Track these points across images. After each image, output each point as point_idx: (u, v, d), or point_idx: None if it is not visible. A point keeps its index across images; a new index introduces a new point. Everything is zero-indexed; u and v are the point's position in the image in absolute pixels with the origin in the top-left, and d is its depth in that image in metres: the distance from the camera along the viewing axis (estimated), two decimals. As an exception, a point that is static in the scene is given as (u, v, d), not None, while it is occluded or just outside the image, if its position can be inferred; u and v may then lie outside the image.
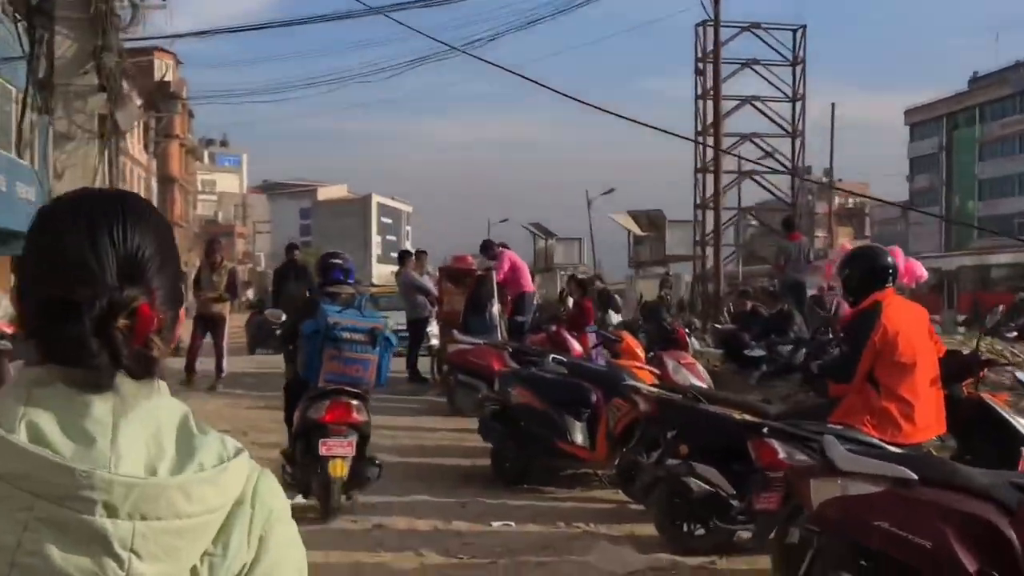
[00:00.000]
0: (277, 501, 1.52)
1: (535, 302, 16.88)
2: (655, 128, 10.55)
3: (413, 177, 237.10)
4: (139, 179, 59.96)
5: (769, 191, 34.92)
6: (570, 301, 17.09)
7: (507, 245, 17.56)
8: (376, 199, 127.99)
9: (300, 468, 8.59)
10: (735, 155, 30.14)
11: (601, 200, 51.54)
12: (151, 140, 62.01)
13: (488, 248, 16.58)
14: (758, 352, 14.31)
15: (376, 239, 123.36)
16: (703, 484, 7.31)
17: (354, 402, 8.45)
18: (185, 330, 15.98)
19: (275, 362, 20.12)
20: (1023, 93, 78.66)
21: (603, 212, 47.92)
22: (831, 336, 9.38)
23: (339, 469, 8.25)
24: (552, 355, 11.18)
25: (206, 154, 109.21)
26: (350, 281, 9.48)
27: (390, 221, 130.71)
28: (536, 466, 10.07)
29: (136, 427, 1.37)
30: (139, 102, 63.20)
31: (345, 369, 8.48)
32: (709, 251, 31.16)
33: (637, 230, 42.39)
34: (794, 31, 33.23)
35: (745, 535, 7.45)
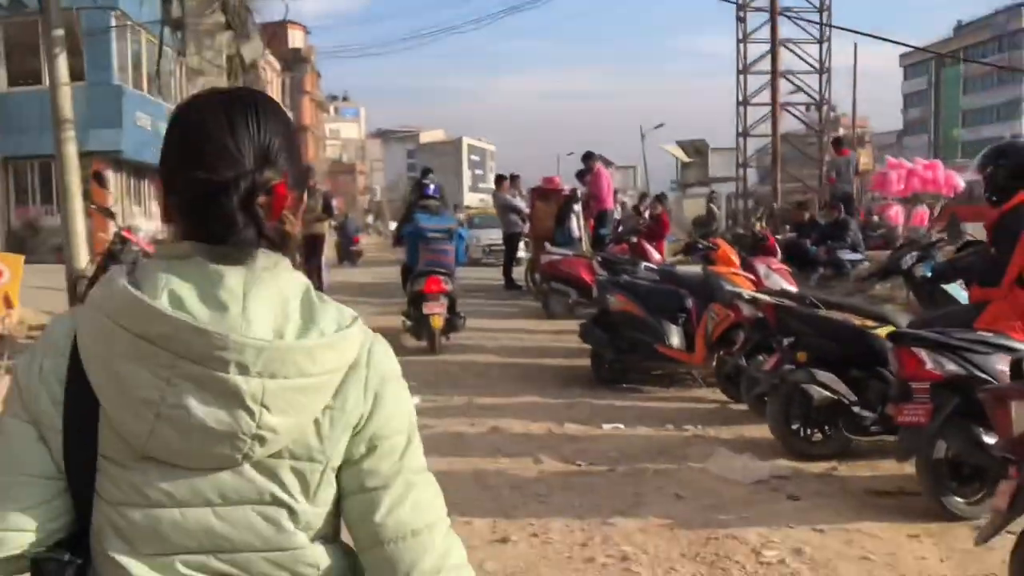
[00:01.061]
0: (389, 363, 1.36)
1: (615, 217, 15.04)
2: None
3: (496, 121, 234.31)
4: (278, 128, 58.77)
5: (802, 120, 32.49)
6: (647, 214, 15.20)
7: (607, 160, 15.77)
8: (466, 141, 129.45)
9: (414, 322, 10.09)
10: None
11: (652, 133, 49.14)
12: (286, 95, 60.81)
13: (589, 158, 14.73)
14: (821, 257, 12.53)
15: (467, 173, 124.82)
16: (824, 391, 5.63)
17: (442, 278, 10.01)
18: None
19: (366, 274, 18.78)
20: (1000, 37, 75.39)
21: (654, 143, 45.89)
22: (935, 240, 7.48)
23: (437, 322, 9.86)
24: (644, 263, 9.47)
25: (332, 108, 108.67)
26: (436, 196, 11.72)
27: (478, 158, 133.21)
28: (634, 367, 8.45)
29: (264, 297, 1.23)
30: (263, 42, 62.55)
31: (434, 256, 10.36)
32: (750, 172, 29.25)
33: (684, 157, 41.14)
34: (821, -15, 30.50)
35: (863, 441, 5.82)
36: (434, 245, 10.47)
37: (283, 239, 1.27)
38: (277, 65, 60.28)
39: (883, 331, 5.73)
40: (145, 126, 21.02)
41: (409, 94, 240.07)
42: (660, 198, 15.21)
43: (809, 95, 31.04)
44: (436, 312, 9.85)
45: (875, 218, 15.13)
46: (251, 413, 1.19)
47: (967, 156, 60.07)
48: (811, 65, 30.92)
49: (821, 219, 13.93)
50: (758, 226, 13.25)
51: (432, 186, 12.03)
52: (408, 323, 10.24)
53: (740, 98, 30.90)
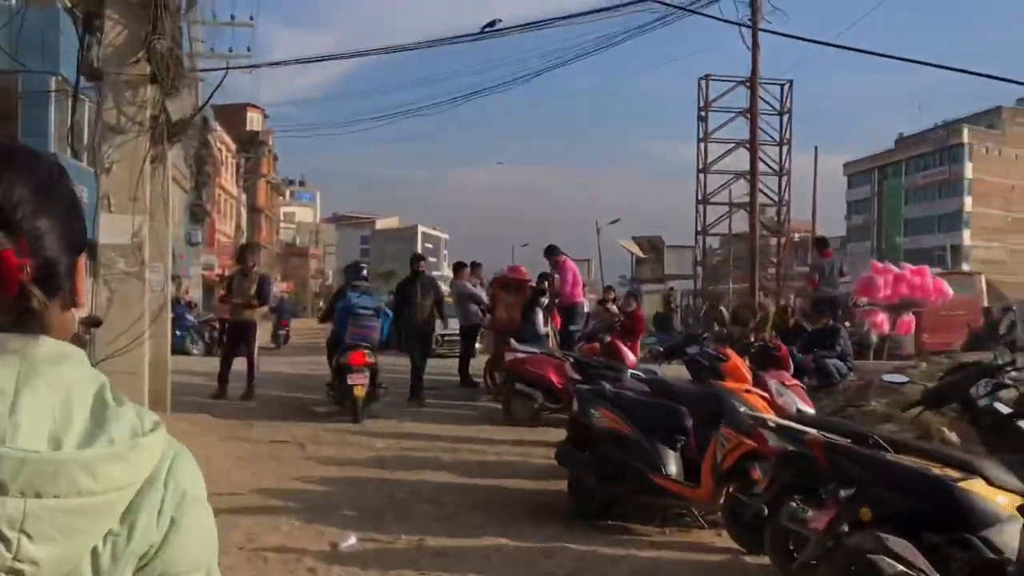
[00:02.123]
0: (193, 481, 1.12)
1: (584, 312, 13.58)
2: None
3: (449, 210, 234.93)
4: (231, 208, 57.18)
5: (762, 222, 31.74)
6: (614, 308, 13.73)
7: (566, 253, 14.48)
8: (421, 228, 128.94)
9: (338, 392, 10.96)
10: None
11: (607, 228, 48.29)
12: (241, 177, 59.44)
13: (553, 252, 13.30)
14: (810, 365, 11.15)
15: None
16: (898, 564, 4.12)
17: (367, 351, 10.80)
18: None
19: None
20: (940, 150, 77.13)
21: (609, 238, 45.05)
22: (1003, 364, 6.03)
23: (360, 391, 10.59)
24: (630, 370, 7.97)
25: (288, 191, 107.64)
26: (365, 278, 12.64)
27: (431, 246, 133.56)
28: (621, 499, 6.88)
29: (42, 396, 0.99)
30: (192, 99, 61.59)
31: (360, 331, 10.99)
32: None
33: (639, 253, 40.35)
34: (781, 86, 30.14)
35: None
36: (362, 321, 11.07)
37: (21, 318, 1.02)
38: (233, 146, 59.17)
39: (972, 484, 4.27)
40: (83, 198, 19.34)
41: (365, 181, 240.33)
42: (633, 293, 13.86)
43: (769, 196, 30.40)
44: (359, 383, 10.60)
45: (864, 326, 13.94)
46: (6, 542, 0.94)
47: (909, 262, 60.77)
48: (771, 167, 30.34)
49: (806, 324, 12.63)
50: (766, 334, 11.90)
51: (364, 270, 12.89)
52: (331, 393, 11.24)
53: (699, 196, 30.19)
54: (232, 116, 61.23)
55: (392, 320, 11.90)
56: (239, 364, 12.41)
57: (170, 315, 10.42)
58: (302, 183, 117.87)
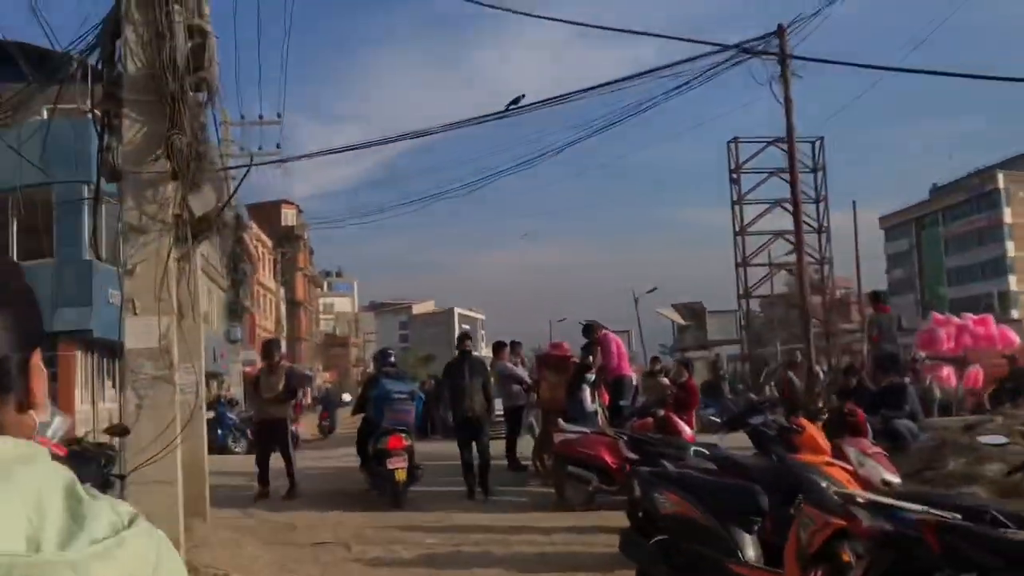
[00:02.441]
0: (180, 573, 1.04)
1: (633, 384, 12.96)
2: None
3: (484, 292, 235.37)
4: (270, 303, 57.43)
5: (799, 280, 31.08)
6: (665, 380, 13.07)
7: (605, 327, 14.00)
8: (457, 311, 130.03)
9: (376, 477, 11.13)
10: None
11: (645, 297, 47.83)
12: (279, 272, 59.85)
13: (591, 330, 12.76)
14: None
15: None
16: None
17: (404, 435, 11.01)
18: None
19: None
20: (976, 197, 76.15)
21: (647, 307, 44.48)
22: None
23: (401, 475, 10.72)
24: (693, 447, 7.38)
25: (325, 283, 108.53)
26: (394, 364, 12.57)
27: (468, 327, 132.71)
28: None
29: (13, 497, 0.91)
30: (218, 195, 62.28)
31: (396, 416, 11.22)
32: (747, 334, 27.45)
33: (680, 320, 39.78)
34: (813, 143, 29.77)
35: None
36: (398, 406, 11.26)
37: None
38: (269, 242, 59.77)
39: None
40: (117, 303, 19.22)
41: (399, 268, 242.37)
42: (684, 363, 13.23)
43: (809, 254, 29.80)
44: (399, 467, 10.69)
45: (928, 381, 13.20)
46: None
47: (956, 312, 59.41)
48: (810, 225, 29.80)
49: (869, 384, 11.95)
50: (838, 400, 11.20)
51: (392, 356, 12.84)
52: (369, 479, 11.44)
53: (738, 259, 29.63)
54: (267, 213, 62.18)
55: (430, 404, 12.03)
56: (278, 460, 11.96)
57: (205, 415, 10.01)
58: (339, 274, 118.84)
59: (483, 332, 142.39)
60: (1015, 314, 59.32)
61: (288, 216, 70.58)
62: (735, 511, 6.15)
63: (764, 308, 34.04)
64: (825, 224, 29.85)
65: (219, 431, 20.92)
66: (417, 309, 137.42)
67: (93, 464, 7.98)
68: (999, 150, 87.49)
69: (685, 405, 11.60)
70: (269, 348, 12.41)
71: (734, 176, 29.42)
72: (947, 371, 13.39)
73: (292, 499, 11.49)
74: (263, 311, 53.98)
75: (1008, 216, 73.34)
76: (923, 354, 13.54)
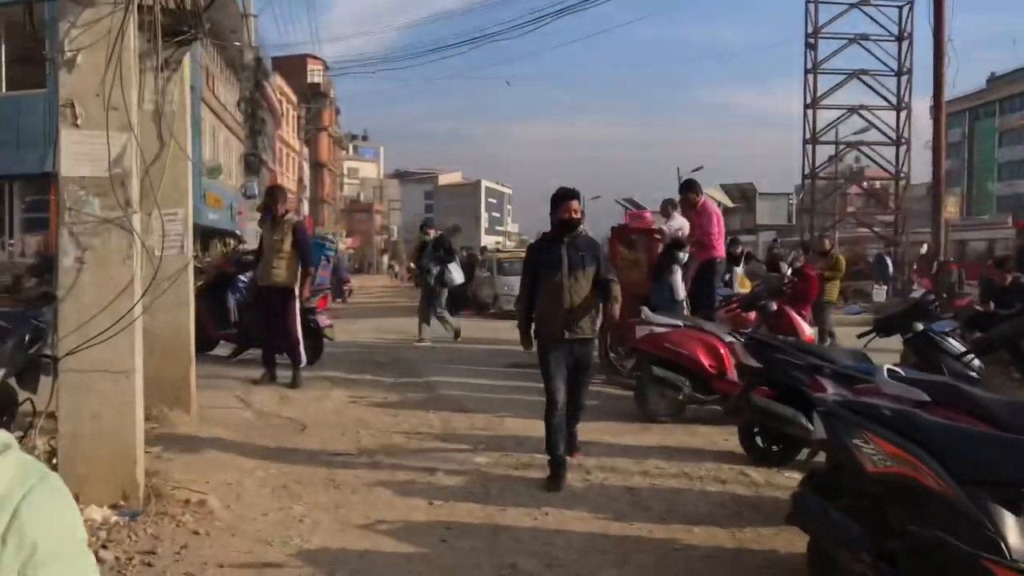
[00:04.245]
0: (49, 532, 0.88)
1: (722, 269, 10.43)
2: None
3: (513, 165, 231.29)
4: (293, 161, 54.88)
5: (875, 161, 28.11)
6: (786, 269, 10.44)
7: (638, 204, 11.63)
8: (484, 184, 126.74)
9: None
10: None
11: (690, 176, 44.89)
12: (302, 130, 57.01)
13: (692, 189, 10.14)
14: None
15: (484, 215, 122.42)
16: None
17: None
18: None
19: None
20: (1021, 95, 71.71)
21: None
22: None
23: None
24: (885, 366, 4.96)
25: (351, 147, 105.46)
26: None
27: (495, 201, 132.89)
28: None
29: None
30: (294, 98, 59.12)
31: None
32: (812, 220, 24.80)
33: (728, 202, 36.87)
34: (900, 7, 26.32)
35: None
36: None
37: None
38: (294, 98, 56.70)
39: None
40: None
41: (426, 137, 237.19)
42: (804, 246, 10.66)
43: (886, 134, 26.77)
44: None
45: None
46: None
47: (1003, 210, 56.15)
48: (888, 101, 26.67)
49: (1028, 282, 9.46)
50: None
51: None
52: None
53: (807, 135, 26.64)
54: (293, 67, 58.80)
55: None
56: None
57: (192, 278, 7.67)
58: (365, 138, 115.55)
59: (510, 207, 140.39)
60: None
61: (315, 73, 67.11)
62: (994, 479, 3.80)
63: (828, 192, 31.08)
64: (906, 101, 26.68)
65: (231, 295, 18.73)
66: (443, 180, 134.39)
67: (9, 340, 5.68)
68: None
69: (803, 298, 9.19)
70: (272, 195, 9.83)
71: (811, 41, 26.13)
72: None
73: (295, 387, 9.28)
74: (285, 170, 51.44)
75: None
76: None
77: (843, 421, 4.19)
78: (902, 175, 27.03)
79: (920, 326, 6.70)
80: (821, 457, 5.28)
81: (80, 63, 5.13)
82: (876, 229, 28.54)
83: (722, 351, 7.94)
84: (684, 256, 9.42)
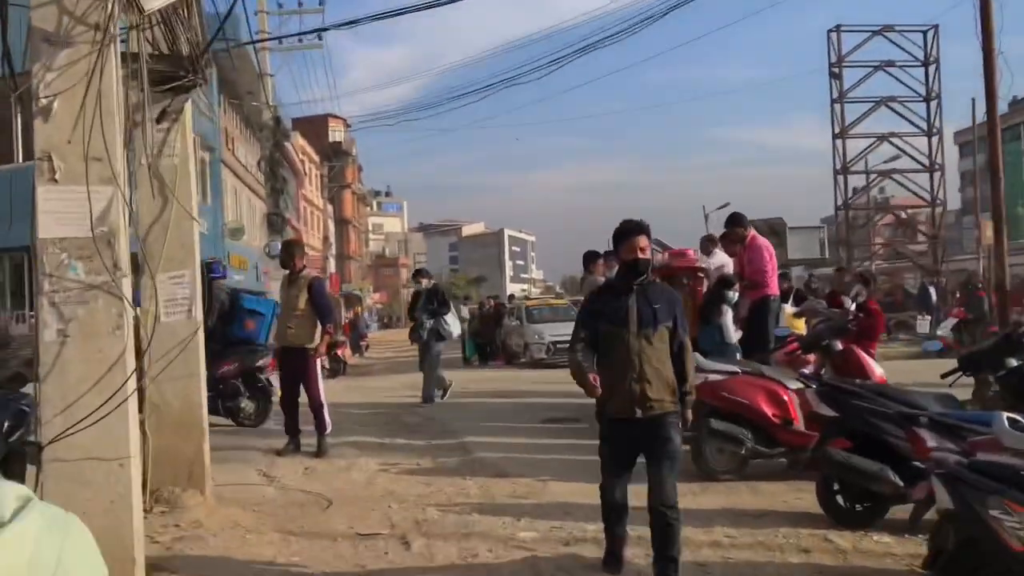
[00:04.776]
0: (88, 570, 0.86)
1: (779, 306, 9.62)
2: None
3: (535, 213, 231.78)
4: (317, 219, 54.75)
5: (908, 188, 27.26)
6: (851, 305, 9.51)
7: (663, 243, 11.05)
8: (507, 232, 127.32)
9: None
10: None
11: (716, 214, 44.16)
12: (326, 187, 56.98)
13: (739, 223, 9.28)
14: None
15: (508, 263, 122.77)
16: None
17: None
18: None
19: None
20: (1062, 110, 70.31)
21: (719, 225, 40.76)
22: None
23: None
24: (1005, 414, 4.17)
25: (375, 203, 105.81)
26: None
27: (518, 249, 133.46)
28: None
29: None
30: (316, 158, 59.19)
31: None
32: (849, 251, 23.94)
33: (758, 238, 35.94)
34: (924, 32, 25.68)
35: None
36: None
37: None
38: (316, 157, 56.75)
39: None
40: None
41: (448, 191, 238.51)
42: (866, 278, 9.81)
43: (917, 160, 25.98)
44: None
45: None
46: None
47: (1031, 236, 55.15)
48: (918, 127, 25.91)
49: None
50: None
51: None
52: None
53: (837, 165, 25.88)
54: (314, 127, 59.03)
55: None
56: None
57: (202, 346, 7.00)
58: (388, 193, 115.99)
59: (534, 254, 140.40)
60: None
61: (336, 133, 67.42)
62: None
63: (864, 223, 30.16)
64: (937, 126, 25.90)
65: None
66: (467, 231, 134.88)
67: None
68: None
69: (869, 336, 8.40)
70: (288, 250, 9.16)
71: (835, 70, 25.49)
72: None
73: (321, 456, 8.57)
74: (310, 228, 51.25)
75: (1098, 130, 67.65)
76: None
77: (975, 488, 3.41)
78: (938, 202, 26.19)
79: (1014, 362, 5.90)
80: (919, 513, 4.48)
81: (56, 110, 4.52)
82: (915, 259, 27.64)
83: (786, 398, 7.15)
84: (734, 296, 8.67)
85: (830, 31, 25.53)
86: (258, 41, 23.21)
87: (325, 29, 20.48)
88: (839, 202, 25.94)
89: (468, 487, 7.23)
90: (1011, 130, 75.84)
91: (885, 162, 27.68)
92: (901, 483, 5.49)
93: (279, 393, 9.67)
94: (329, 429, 8.86)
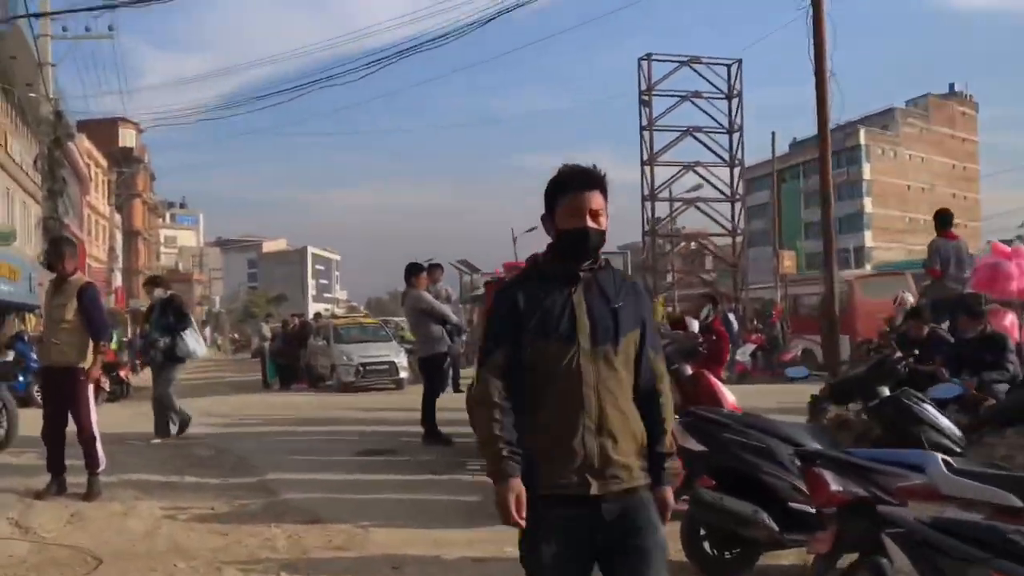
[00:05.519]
0: None
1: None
2: None
3: (338, 232, 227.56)
4: (103, 229, 50.70)
5: (711, 216, 28.01)
6: (691, 325, 8.89)
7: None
8: (311, 250, 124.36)
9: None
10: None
11: (524, 236, 44.26)
12: (113, 195, 52.93)
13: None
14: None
15: (311, 283, 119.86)
16: None
17: None
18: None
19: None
20: (837, 152, 76.36)
21: (527, 249, 40.84)
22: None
23: None
24: (940, 456, 3.54)
25: (168, 215, 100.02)
26: None
27: (323, 268, 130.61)
28: None
29: None
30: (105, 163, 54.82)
31: None
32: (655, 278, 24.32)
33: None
34: (729, 66, 26.56)
35: None
36: None
37: None
38: (104, 163, 52.61)
39: None
40: None
41: (247, 205, 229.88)
42: (712, 297, 9.21)
43: (719, 190, 26.76)
44: None
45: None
46: None
47: (812, 268, 59.14)
48: (721, 158, 26.70)
49: (943, 334, 8.50)
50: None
51: None
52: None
53: (645, 191, 26.24)
54: (102, 132, 54.66)
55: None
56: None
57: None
58: (183, 205, 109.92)
59: (338, 273, 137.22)
60: (868, 268, 59.83)
61: (127, 137, 62.90)
62: None
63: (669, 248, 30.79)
64: (739, 157, 26.80)
65: (20, 378, 15.92)
66: (267, 247, 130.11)
67: None
68: (860, 107, 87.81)
69: (716, 360, 7.86)
70: (57, 248, 7.57)
71: (644, 98, 25.87)
72: (1010, 319, 10.19)
73: (92, 498, 7.12)
74: (94, 238, 47.32)
75: (867, 173, 73.90)
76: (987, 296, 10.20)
77: (949, 555, 2.70)
78: (739, 231, 27.09)
79: (886, 391, 5.45)
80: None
81: None
82: (715, 287, 28.48)
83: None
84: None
85: (641, 59, 25.97)
86: (35, 16, 20.76)
87: (114, 6, 18.33)
88: (646, 228, 26.33)
89: (274, 537, 6.04)
90: (791, 169, 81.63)
91: (688, 191, 28.40)
92: (775, 527, 4.87)
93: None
94: (103, 466, 7.38)
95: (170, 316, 10.72)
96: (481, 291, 11.27)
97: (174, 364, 10.77)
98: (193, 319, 11.72)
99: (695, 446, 5.29)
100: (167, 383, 10.71)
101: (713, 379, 6.80)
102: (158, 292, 11.17)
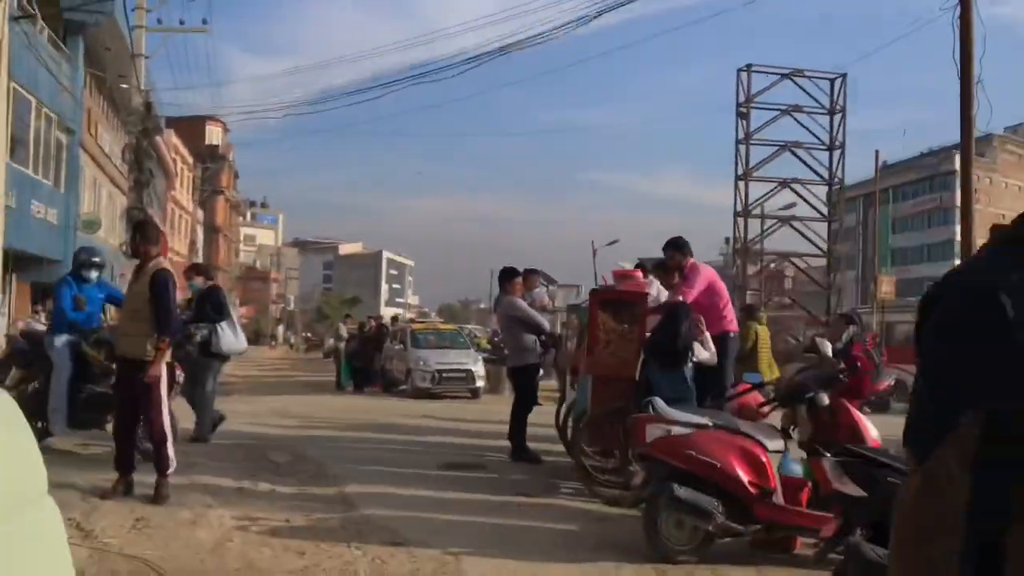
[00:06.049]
0: None
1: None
2: None
3: (414, 239, 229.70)
4: (186, 224, 51.36)
5: (806, 237, 26.83)
6: (824, 350, 8.00)
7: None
8: (386, 254, 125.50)
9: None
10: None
11: (604, 250, 43.34)
12: (198, 190, 53.68)
13: (680, 248, 7.92)
14: None
15: (384, 287, 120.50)
16: None
17: None
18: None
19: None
20: (929, 178, 73.95)
21: (607, 263, 40.01)
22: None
23: None
24: None
25: (248, 213, 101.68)
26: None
27: (396, 272, 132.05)
28: None
29: None
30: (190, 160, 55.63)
31: None
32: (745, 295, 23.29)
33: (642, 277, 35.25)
34: (832, 80, 25.39)
35: None
36: None
37: None
38: (190, 159, 53.39)
39: None
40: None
41: (327, 208, 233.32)
42: (849, 318, 8.37)
43: (817, 209, 25.58)
44: None
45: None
46: None
47: (898, 295, 57.16)
48: (819, 176, 25.53)
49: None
50: None
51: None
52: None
53: (739, 207, 25.21)
54: (190, 129, 55.55)
55: None
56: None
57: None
58: (264, 204, 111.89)
59: (411, 279, 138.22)
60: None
61: (213, 134, 63.97)
62: None
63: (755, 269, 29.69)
64: (839, 176, 25.61)
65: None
66: (344, 249, 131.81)
67: None
68: (953, 133, 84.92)
69: (857, 389, 7.02)
70: (143, 232, 7.09)
71: (742, 110, 24.88)
72: None
73: (160, 502, 6.59)
74: (177, 232, 47.92)
75: (959, 200, 71.02)
76: None
77: None
78: (835, 253, 25.88)
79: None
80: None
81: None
82: (810, 309, 27.32)
83: (764, 461, 5.66)
84: (699, 324, 7.17)
85: (740, 70, 24.98)
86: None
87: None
88: (737, 245, 25.31)
89: (356, 561, 5.39)
90: (881, 194, 79.21)
91: (782, 208, 27.30)
92: None
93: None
94: (172, 468, 6.85)
95: (208, 307, 9.87)
96: (584, 298, 10.59)
97: (210, 361, 9.86)
98: (234, 313, 10.93)
99: (854, 490, 4.48)
100: (201, 383, 9.77)
101: (856, 412, 5.97)
102: (198, 281, 10.28)
